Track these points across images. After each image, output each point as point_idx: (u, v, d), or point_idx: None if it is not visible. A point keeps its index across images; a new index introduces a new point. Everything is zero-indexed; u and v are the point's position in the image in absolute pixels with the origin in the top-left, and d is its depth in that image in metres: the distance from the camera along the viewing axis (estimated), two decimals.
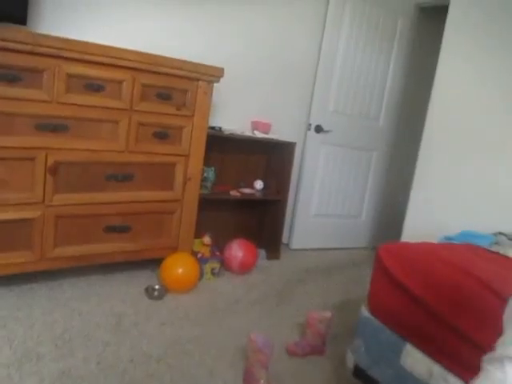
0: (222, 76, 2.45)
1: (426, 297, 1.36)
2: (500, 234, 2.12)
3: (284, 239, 3.40)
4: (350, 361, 1.57)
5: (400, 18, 3.56)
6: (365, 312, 1.55)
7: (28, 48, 1.84)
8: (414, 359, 1.36)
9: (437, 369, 1.30)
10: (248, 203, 3.18)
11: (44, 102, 1.96)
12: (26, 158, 1.98)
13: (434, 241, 2.05)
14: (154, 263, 2.48)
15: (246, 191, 3.06)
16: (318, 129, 3.39)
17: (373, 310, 1.52)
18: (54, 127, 2.00)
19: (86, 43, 1.99)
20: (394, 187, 3.89)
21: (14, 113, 1.90)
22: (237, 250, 2.72)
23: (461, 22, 2.75)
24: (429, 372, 1.31)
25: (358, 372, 1.54)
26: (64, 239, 2.13)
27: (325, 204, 3.58)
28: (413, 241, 2.08)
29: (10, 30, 1.85)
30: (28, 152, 1.97)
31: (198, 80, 2.37)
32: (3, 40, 1.77)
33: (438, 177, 2.78)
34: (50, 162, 2.02)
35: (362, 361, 1.52)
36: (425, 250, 1.67)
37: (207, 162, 2.61)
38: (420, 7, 3.62)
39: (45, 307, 1.97)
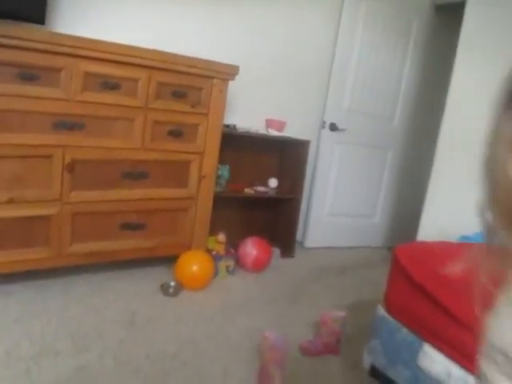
0: (236, 74, 2.45)
1: (444, 297, 1.34)
2: None
3: (298, 237, 3.39)
4: (367, 361, 1.55)
5: (415, 17, 3.51)
6: (381, 312, 1.53)
7: (46, 47, 1.86)
8: (432, 360, 1.34)
9: (455, 370, 1.27)
10: (262, 201, 3.18)
11: (61, 100, 1.99)
12: (44, 156, 2.01)
13: (451, 240, 2.02)
14: (169, 260, 2.49)
15: (260, 189, 3.06)
16: (333, 127, 3.37)
17: (389, 310, 1.51)
18: (71, 125, 2.02)
19: (103, 42, 2.01)
20: (409, 186, 3.85)
21: (31, 111, 1.93)
22: (251, 248, 2.72)
23: (478, 19, 2.69)
24: (447, 373, 1.29)
25: (375, 372, 1.53)
26: (80, 236, 2.15)
27: (339, 203, 3.56)
28: (429, 240, 2.06)
29: (28, 30, 1.88)
30: (45, 150, 2.00)
31: (212, 78, 2.37)
32: (22, 39, 1.80)
33: (455, 176, 2.73)
34: (67, 159, 2.05)
35: (378, 361, 1.51)
36: (442, 250, 1.65)
37: (222, 159, 2.61)
38: (435, 5, 3.56)
39: (61, 303, 2.00)
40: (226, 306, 2.25)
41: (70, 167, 2.07)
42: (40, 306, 1.94)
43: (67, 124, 2.01)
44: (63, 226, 2.09)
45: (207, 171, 2.49)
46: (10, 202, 1.94)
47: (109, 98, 2.09)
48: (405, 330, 1.44)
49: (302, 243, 3.48)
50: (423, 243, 1.85)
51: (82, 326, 1.83)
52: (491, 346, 0.50)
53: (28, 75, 1.87)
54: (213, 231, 2.64)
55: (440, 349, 1.33)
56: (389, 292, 1.54)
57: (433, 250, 1.64)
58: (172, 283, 2.29)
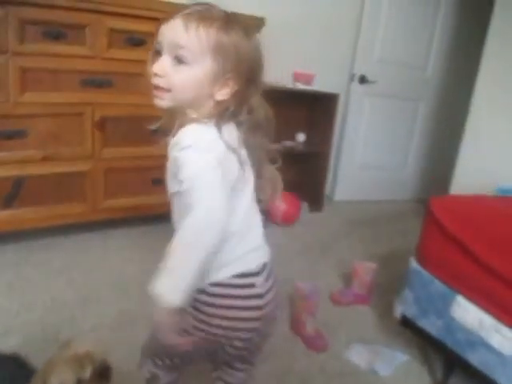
0: (263, 26, 2.36)
1: (478, 248, 1.32)
2: None
3: (327, 191, 3.38)
4: (398, 311, 1.57)
5: None
6: (414, 263, 1.53)
7: (69, 4, 1.84)
8: (465, 310, 1.34)
9: (488, 319, 1.28)
10: (290, 156, 3.14)
11: (88, 57, 1.98)
12: (74, 114, 2.03)
13: (486, 192, 1.97)
14: None
15: (288, 144, 3.03)
16: (363, 79, 3.26)
17: (422, 262, 1.51)
18: (99, 83, 2.03)
19: None
20: (441, 138, 3.73)
21: (60, 69, 1.94)
22: (280, 202, 2.74)
23: None
24: (479, 323, 1.30)
25: (406, 322, 1.55)
26: (114, 191, 2.21)
27: (369, 156, 3.50)
28: (463, 193, 2.01)
29: None
30: (75, 107, 2.02)
31: None
32: None
33: (491, 126, 2.61)
34: (97, 117, 2.07)
35: (409, 311, 1.52)
36: (478, 202, 1.61)
37: None
38: None
39: (100, 255, 2.10)
40: None
41: (100, 124, 2.09)
42: (80, 257, 2.04)
43: (95, 81, 2.02)
44: (97, 182, 2.15)
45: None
46: (45, 159, 2.00)
47: (134, 54, 2.07)
48: (437, 282, 1.44)
49: (330, 197, 3.47)
50: (458, 195, 1.81)
51: (121, 276, 1.92)
52: None
53: (54, 33, 1.87)
54: None
55: (473, 299, 1.33)
56: (422, 244, 1.54)
57: (468, 203, 1.61)
58: None
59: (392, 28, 3.24)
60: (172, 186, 0.83)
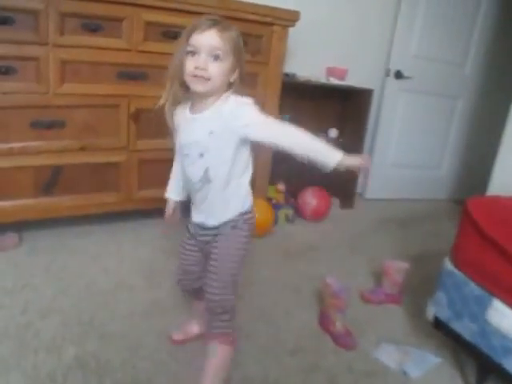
0: (297, 20, 2.34)
1: None
2: None
3: (358, 188, 3.33)
4: (430, 312, 1.54)
5: None
6: (448, 265, 1.49)
7: None
8: (502, 315, 1.30)
9: None
10: None
11: (124, 50, 2.01)
12: (111, 106, 2.07)
13: None
14: None
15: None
16: (398, 75, 3.18)
17: (458, 264, 1.46)
18: (135, 75, 2.05)
19: None
20: (479, 137, 3.61)
21: (97, 61, 1.97)
22: (310, 198, 2.72)
23: None
24: None
25: (438, 324, 1.51)
26: (148, 182, 2.24)
27: (403, 153, 3.42)
28: (502, 194, 1.94)
29: None
30: (112, 99, 2.06)
31: (272, 25, 2.29)
32: None
33: None
34: (132, 109, 2.10)
35: (442, 313, 1.49)
36: None
37: (281, 109, 2.56)
38: None
39: (132, 244, 2.14)
40: (287, 252, 2.29)
41: (135, 116, 2.13)
42: (114, 245, 2.09)
43: (131, 74, 2.05)
44: (131, 173, 2.19)
45: None
46: (82, 149, 2.05)
47: (170, 47, 2.07)
48: (473, 284, 1.40)
49: (362, 194, 3.42)
50: (497, 197, 1.74)
51: (153, 265, 1.95)
52: None
53: (93, 26, 1.90)
54: (273, 180, 2.65)
55: (510, 304, 1.29)
56: (458, 246, 1.49)
57: (507, 205, 1.55)
58: None
59: (430, 22, 3.14)
60: (226, 148, 1.14)
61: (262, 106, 2.36)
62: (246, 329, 1.60)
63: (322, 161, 1.13)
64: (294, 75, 2.76)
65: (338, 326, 1.59)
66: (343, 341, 1.57)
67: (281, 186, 2.66)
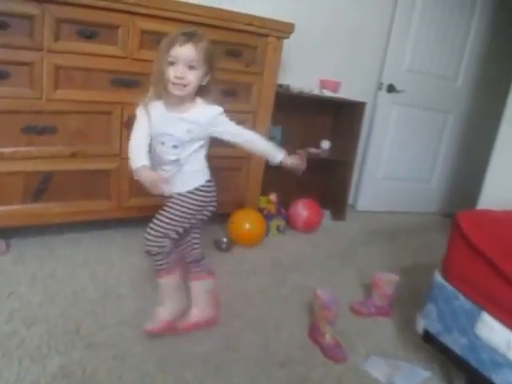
0: (292, 32, 2.36)
1: (507, 266, 1.28)
2: None
3: (350, 200, 3.34)
4: (420, 325, 1.53)
5: None
6: (438, 278, 1.49)
7: (104, 4, 1.87)
8: (491, 329, 1.30)
9: None
10: (314, 163, 3.08)
11: (119, 57, 2.01)
12: (103, 112, 2.07)
13: None
14: (221, 217, 2.55)
15: (312, 151, 3.01)
16: (391, 88, 3.22)
17: (447, 277, 1.47)
18: (129, 82, 2.05)
19: None
20: (470, 152, 3.65)
21: (91, 68, 1.97)
22: (302, 209, 2.73)
23: None
24: (507, 343, 1.25)
25: (428, 337, 1.51)
26: (139, 190, 2.21)
27: (394, 166, 3.45)
28: (492, 207, 1.95)
29: None
30: (105, 106, 2.06)
31: (267, 36, 2.31)
32: None
33: None
34: (125, 116, 2.10)
35: (432, 326, 1.48)
36: (507, 218, 1.57)
37: (274, 120, 2.57)
38: None
39: (121, 252, 2.12)
40: (278, 263, 2.29)
41: (128, 124, 2.11)
42: (103, 253, 2.06)
43: (125, 81, 2.05)
44: (122, 181, 2.17)
45: (260, 132, 2.45)
46: (74, 155, 2.03)
47: None
48: (462, 297, 1.40)
49: (353, 206, 3.44)
50: (487, 211, 1.75)
51: (141, 274, 1.93)
52: None
53: (88, 33, 1.90)
54: (265, 191, 2.66)
55: (500, 318, 1.29)
56: (448, 258, 1.50)
57: (497, 218, 1.56)
58: (224, 239, 2.35)
59: (423, 37, 3.20)
60: (196, 141, 1.45)
61: (255, 116, 2.41)
62: (234, 339, 1.58)
63: (270, 158, 1.51)
64: (287, 86, 2.78)
65: (328, 337, 1.58)
66: (333, 353, 1.56)
67: (273, 197, 2.66)
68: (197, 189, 1.47)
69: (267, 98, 2.44)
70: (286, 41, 2.41)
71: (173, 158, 1.43)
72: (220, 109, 1.43)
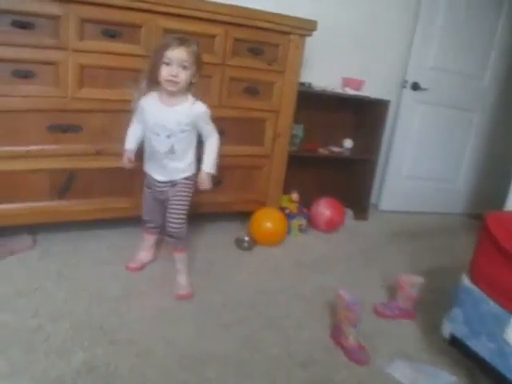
0: (314, 29, 2.33)
1: None
2: None
3: (372, 200, 3.29)
4: (446, 329, 1.50)
5: None
6: (465, 281, 1.46)
7: (127, 3, 1.88)
8: None
9: None
10: (336, 162, 3.10)
11: (141, 56, 2.02)
12: (126, 111, 2.07)
13: None
14: (242, 216, 2.55)
15: (335, 150, 2.98)
16: (415, 86, 3.16)
17: (475, 280, 1.43)
18: None
19: None
20: (496, 151, 3.56)
21: (115, 67, 1.99)
22: (324, 208, 2.70)
23: None
24: None
25: (454, 341, 1.47)
26: None
27: (418, 166, 3.39)
28: None
29: None
30: (128, 105, 2.06)
31: (289, 34, 2.29)
32: None
33: None
34: None
35: (459, 331, 1.45)
36: None
37: (296, 118, 2.55)
38: None
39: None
40: (299, 262, 2.27)
41: None
42: (125, 251, 2.08)
43: None
44: (141, 179, 2.18)
45: (282, 130, 2.46)
46: (97, 154, 2.06)
47: None
48: (491, 302, 1.36)
49: (376, 206, 3.39)
50: None
51: (163, 272, 1.94)
52: None
53: (112, 32, 1.92)
54: (286, 190, 2.64)
55: None
56: (476, 262, 1.46)
57: None
58: (246, 238, 2.35)
59: (448, 35, 3.12)
60: (187, 132, 1.72)
61: (277, 114, 2.39)
62: (255, 339, 1.58)
63: (202, 163, 1.77)
64: (309, 85, 2.76)
65: (351, 339, 1.55)
66: (356, 355, 1.54)
67: (295, 196, 2.64)
68: (188, 177, 1.80)
69: (289, 96, 2.42)
70: (308, 38, 2.38)
71: (167, 148, 1.70)
72: (207, 108, 1.73)
